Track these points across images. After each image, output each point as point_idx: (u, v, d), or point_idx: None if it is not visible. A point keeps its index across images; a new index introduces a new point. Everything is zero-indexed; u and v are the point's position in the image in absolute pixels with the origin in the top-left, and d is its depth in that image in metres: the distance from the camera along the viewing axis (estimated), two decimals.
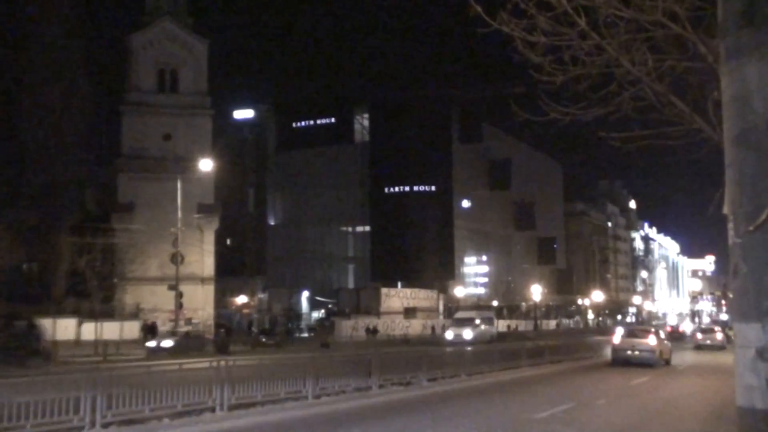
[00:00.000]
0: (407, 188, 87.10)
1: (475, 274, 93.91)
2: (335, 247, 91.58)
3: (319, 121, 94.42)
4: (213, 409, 13.44)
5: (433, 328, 63.57)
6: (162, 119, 54.14)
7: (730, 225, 2.94)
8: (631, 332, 31.12)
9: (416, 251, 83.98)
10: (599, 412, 14.89)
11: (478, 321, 50.59)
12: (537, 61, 5.94)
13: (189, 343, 35.78)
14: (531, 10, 5.52)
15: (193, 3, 57.97)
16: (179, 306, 40.34)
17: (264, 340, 45.30)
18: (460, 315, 55.94)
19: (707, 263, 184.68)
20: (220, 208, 56.72)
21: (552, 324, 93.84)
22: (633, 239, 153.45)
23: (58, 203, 51.60)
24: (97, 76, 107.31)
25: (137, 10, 56.59)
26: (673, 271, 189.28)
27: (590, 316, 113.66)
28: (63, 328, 43.13)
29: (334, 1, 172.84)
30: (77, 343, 39.72)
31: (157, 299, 47.11)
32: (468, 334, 46.29)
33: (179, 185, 41.16)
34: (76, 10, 55.18)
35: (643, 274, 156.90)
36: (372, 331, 56.57)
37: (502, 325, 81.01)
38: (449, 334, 48.55)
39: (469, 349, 30.67)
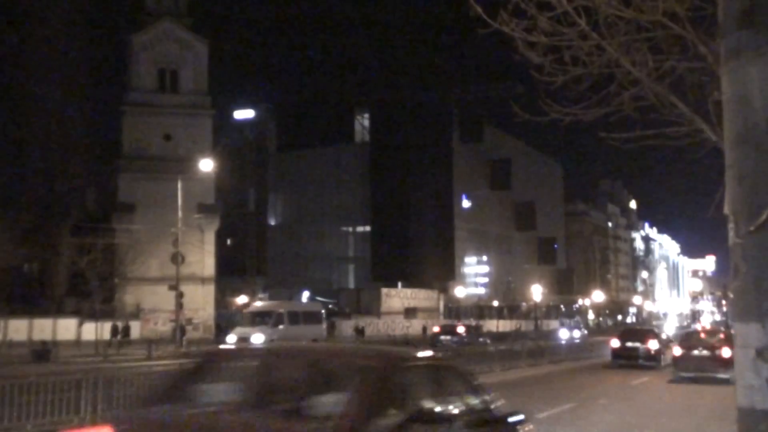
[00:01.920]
0: (407, 188, 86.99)
1: (475, 274, 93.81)
2: (335, 247, 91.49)
3: (319, 121, 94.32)
4: None
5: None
6: (162, 119, 54.14)
7: (731, 225, 2.94)
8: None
9: (416, 251, 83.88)
10: None
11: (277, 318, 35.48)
12: (537, 62, 5.93)
13: None
14: (531, 11, 5.52)
15: (193, 3, 57.90)
16: (179, 306, 40.37)
17: None
18: (255, 308, 41.30)
19: (708, 263, 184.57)
20: (220, 208, 56.79)
21: (554, 324, 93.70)
22: (633, 239, 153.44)
23: (58, 203, 51.73)
24: (97, 76, 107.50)
25: (137, 10, 56.51)
26: (674, 271, 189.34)
27: (591, 316, 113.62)
28: (63, 328, 43.22)
29: (335, 1, 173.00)
30: (78, 343, 39.74)
31: (157, 299, 47.17)
32: (258, 338, 31.47)
33: (180, 185, 41.16)
34: (77, 10, 55.32)
35: (644, 274, 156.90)
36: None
37: (503, 325, 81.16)
38: (231, 338, 33.73)
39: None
